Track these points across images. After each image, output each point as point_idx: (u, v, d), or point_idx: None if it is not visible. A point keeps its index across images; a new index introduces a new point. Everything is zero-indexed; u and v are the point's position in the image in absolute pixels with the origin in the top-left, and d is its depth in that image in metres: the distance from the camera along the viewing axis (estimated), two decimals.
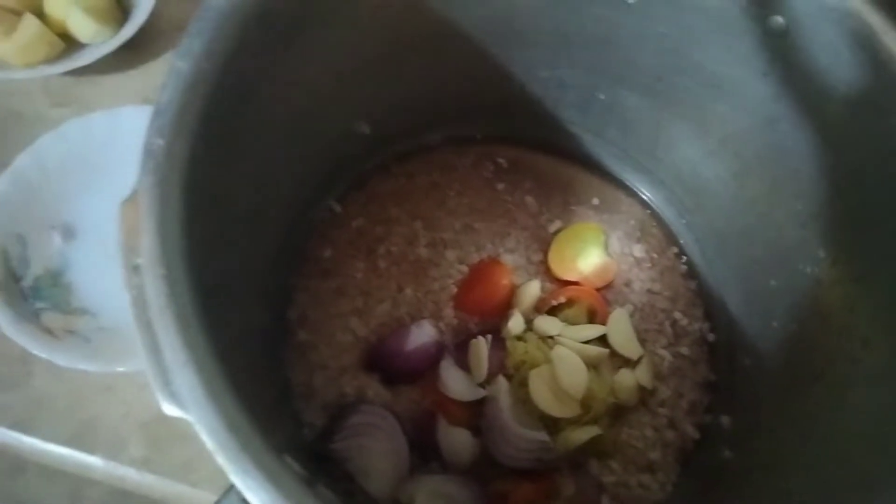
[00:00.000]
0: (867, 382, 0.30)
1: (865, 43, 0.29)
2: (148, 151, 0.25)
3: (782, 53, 0.33)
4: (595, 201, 0.50)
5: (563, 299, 0.45)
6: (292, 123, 0.38)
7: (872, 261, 0.31)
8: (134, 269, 0.23)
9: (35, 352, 0.43)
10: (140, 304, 0.22)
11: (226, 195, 0.31)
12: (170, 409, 0.21)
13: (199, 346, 0.22)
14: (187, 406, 0.21)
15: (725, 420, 0.41)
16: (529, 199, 0.50)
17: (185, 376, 0.21)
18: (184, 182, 0.25)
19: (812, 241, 0.35)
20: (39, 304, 0.47)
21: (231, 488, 0.22)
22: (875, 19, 0.29)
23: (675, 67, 0.41)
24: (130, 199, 0.24)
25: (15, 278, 0.47)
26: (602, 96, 0.46)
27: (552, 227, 0.49)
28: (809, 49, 0.32)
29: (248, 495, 0.20)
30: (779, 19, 0.32)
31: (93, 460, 0.45)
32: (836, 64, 0.31)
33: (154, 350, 0.22)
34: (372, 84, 0.43)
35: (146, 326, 0.22)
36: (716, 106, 0.40)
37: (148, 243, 0.23)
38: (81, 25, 0.56)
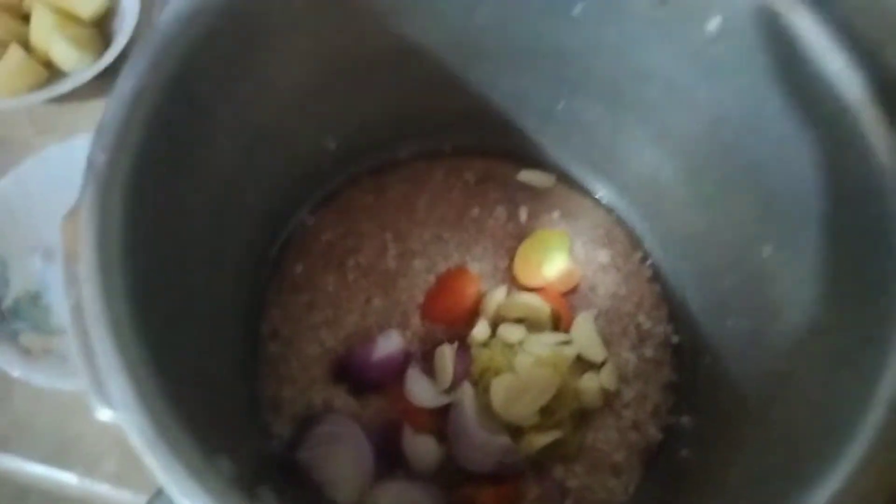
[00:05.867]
0: (810, 379, 0.30)
1: (790, 41, 0.30)
2: (90, 166, 0.26)
3: (720, 55, 0.34)
4: (561, 208, 0.50)
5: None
6: (252, 141, 0.39)
7: (809, 256, 0.31)
8: (73, 281, 0.24)
9: (12, 372, 0.44)
10: (77, 313, 0.23)
11: (180, 210, 0.32)
12: (102, 413, 0.22)
13: (132, 352, 0.23)
14: (118, 407, 0.22)
15: (686, 420, 0.41)
16: (498, 209, 0.51)
17: (117, 380, 0.22)
18: (127, 195, 0.26)
19: (761, 238, 0.36)
20: (18, 325, 0.48)
21: (160, 491, 0.22)
22: (797, 18, 0.30)
23: (628, 74, 0.41)
24: (72, 213, 0.25)
25: None
26: (562, 106, 0.47)
27: (519, 235, 0.49)
28: (744, 49, 0.33)
29: (176, 496, 0.21)
30: (714, 22, 0.33)
31: (68, 477, 0.45)
32: (769, 63, 0.32)
33: (88, 356, 0.23)
34: (334, 102, 0.44)
35: (82, 334, 0.23)
36: (668, 109, 0.41)
37: (86, 254, 0.24)
38: (64, 54, 0.58)
